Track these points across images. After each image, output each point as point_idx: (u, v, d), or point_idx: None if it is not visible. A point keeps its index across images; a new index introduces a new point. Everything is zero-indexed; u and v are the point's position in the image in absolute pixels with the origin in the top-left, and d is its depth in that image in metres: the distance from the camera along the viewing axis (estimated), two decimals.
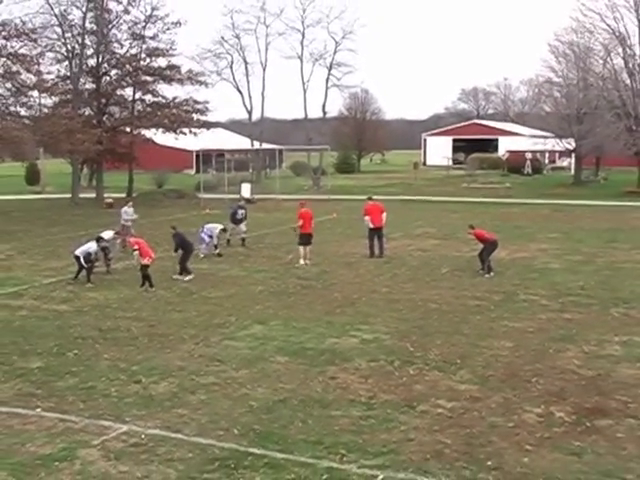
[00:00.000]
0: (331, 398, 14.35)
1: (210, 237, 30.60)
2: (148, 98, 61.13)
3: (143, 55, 60.28)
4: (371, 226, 30.37)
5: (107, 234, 27.94)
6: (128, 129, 60.98)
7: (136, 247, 25.06)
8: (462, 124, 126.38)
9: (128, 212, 33.60)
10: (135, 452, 12.01)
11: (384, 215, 30.69)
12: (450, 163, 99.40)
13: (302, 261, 28.70)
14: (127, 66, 59.14)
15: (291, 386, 15.04)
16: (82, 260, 25.42)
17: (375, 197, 33.86)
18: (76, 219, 46.58)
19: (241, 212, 33.78)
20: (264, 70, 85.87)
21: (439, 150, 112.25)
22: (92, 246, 25.84)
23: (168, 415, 13.54)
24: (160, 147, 70.99)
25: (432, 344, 17.88)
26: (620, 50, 65.72)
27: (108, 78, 60.05)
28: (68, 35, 57.53)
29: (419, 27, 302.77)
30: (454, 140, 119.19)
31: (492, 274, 26.06)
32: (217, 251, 30.79)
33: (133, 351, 17.62)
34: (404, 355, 17.06)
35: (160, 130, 60.95)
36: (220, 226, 31.29)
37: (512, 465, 11.46)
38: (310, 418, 13.32)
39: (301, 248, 28.96)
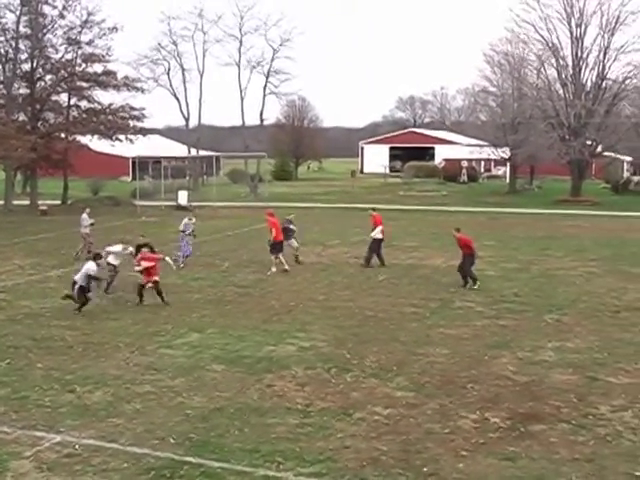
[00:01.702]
0: (268, 406, 14.31)
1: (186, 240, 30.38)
2: (84, 104, 60.34)
3: (79, 61, 59.42)
4: (380, 237, 29.99)
5: (116, 248, 25.46)
6: (63, 135, 60.01)
7: (140, 266, 23.41)
8: (399, 132, 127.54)
9: (85, 219, 33.11)
10: (69, 463, 11.83)
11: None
12: (387, 171, 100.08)
13: (287, 266, 28.53)
14: (62, 71, 58.26)
15: (228, 394, 14.97)
16: (82, 287, 22.23)
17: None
18: (9, 226, 45.83)
19: (292, 227, 30.79)
20: (201, 77, 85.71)
21: (376, 158, 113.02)
22: (91, 267, 22.42)
23: (103, 425, 13.37)
24: (96, 154, 70.10)
25: (369, 351, 17.94)
26: (553, 61, 66.99)
27: (43, 83, 59.10)
28: (1, 39, 56.56)
29: (357, 36, 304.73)
30: (391, 148, 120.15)
31: (478, 284, 25.70)
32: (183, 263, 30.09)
33: (67, 360, 17.37)
34: (341, 362, 17.09)
35: (96, 136, 60.21)
36: (186, 219, 31.08)
37: (448, 471, 11.55)
38: (247, 426, 13.27)
39: (280, 255, 28.77)
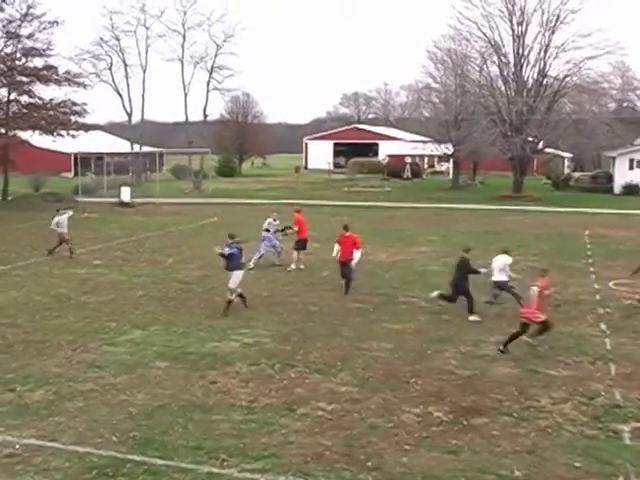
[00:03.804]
0: (212, 403, 14.27)
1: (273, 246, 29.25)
2: (24, 99, 59.37)
3: (19, 55, 58.55)
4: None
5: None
6: (3, 130, 59.11)
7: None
8: (343, 128, 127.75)
9: (64, 219, 31.72)
10: (9, 463, 11.67)
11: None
12: (331, 167, 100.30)
13: (293, 265, 28.19)
14: (1, 65, 57.31)
15: (171, 391, 14.89)
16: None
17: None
18: None
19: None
20: (144, 72, 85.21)
21: (320, 154, 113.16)
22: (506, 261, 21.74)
23: (44, 424, 13.20)
24: (37, 149, 69.17)
25: (313, 347, 17.97)
26: (495, 58, 67.78)
27: None
28: None
29: (301, 31, 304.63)
30: (335, 144, 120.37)
31: None
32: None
33: (8, 359, 17.10)
34: (285, 358, 17.10)
35: (37, 132, 59.43)
36: (270, 219, 29.55)
37: (391, 465, 11.62)
38: (190, 423, 13.21)
39: (295, 253, 28.47)
